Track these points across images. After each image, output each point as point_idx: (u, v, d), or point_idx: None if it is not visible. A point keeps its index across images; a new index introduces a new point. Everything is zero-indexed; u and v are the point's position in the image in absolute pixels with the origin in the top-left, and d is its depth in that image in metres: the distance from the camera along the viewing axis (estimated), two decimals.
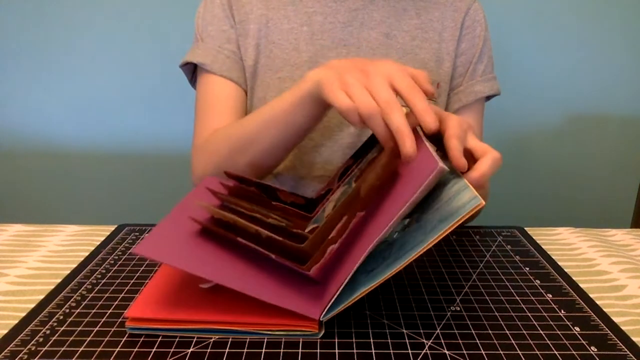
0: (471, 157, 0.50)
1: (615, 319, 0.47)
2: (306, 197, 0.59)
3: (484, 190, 0.58)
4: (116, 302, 0.49)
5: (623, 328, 0.46)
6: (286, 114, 0.60)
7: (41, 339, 0.43)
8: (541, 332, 0.45)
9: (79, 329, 0.45)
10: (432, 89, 0.52)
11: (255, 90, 0.76)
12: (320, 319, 0.43)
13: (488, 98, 0.83)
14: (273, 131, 0.62)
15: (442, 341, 0.43)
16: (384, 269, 0.42)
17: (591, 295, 0.51)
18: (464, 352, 0.42)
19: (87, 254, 0.60)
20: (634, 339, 0.44)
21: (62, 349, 0.42)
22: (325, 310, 0.43)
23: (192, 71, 0.81)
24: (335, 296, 0.43)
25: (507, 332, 0.45)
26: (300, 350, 0.42)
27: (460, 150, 0.48)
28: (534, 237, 0.66)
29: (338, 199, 0.51)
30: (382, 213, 0.46)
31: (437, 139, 0.51)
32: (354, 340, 0.43)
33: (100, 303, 0.49)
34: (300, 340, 0.43)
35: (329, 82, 0.52)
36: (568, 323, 0.46)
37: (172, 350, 0.42)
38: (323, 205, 0.55)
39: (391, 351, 0.42)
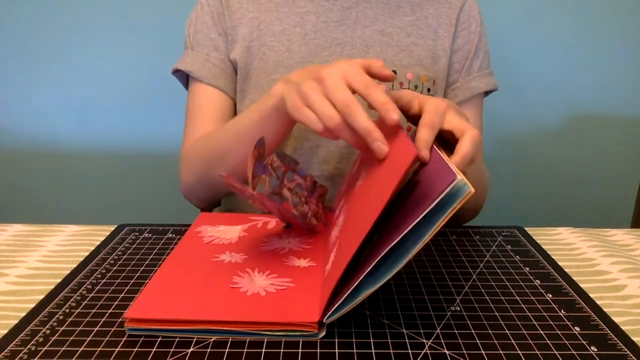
0: (452, 137, 0.50)
1: (615, 319, 0.47)
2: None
3: (476, 173, 0.57)
4: (116, 302, 0.49)
5: (623, 328, 0.46)
6: (256, 128, 0.61)
7: (41, 339, 0.43)
8: (541, 332, 0.45)
9: (79, 329, 0.45)
10: (389, 73, 0.52)
11: (249, 93, 0.76)
12: (324, 321, 0.43)
13: (486, 94, 0.83)
14: (244, 144, 0.62)
15: (442, 341, 0.43)
16: (386, 270, 0.42)
17: (591, 295, 0.51)
18: (464, 352, 0.42)
19: (87, 254, 0.60)
20: (634, 339, 0.44)
21: (62, 349, 0.42)
22: (329, 313, 0.43)
23: (187, 77, 0.81)
24: (339, 302, 0.43)
25: (507, 332, 0.45)
26: (300, 350, 0.42)
27: (428, 140, 0.47)
28: (534, 237, 0.66)
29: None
30: (392, 223, 0.46)
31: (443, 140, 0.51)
32: (354, 340, 0.43)
33: (100, 303, 0.49)
34: (300, 340, 0.43)
35: (291, 97, 0.52)
36: (568, 323, 0.46)
37: (172, 350, 0.42)
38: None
39: (391, 351, 0.42)
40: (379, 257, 0.41)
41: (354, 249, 0.42)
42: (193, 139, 0.77)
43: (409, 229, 0.40)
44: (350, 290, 0.42)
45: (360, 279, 0.41)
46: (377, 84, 0.50)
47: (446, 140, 0.51)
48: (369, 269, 0.41)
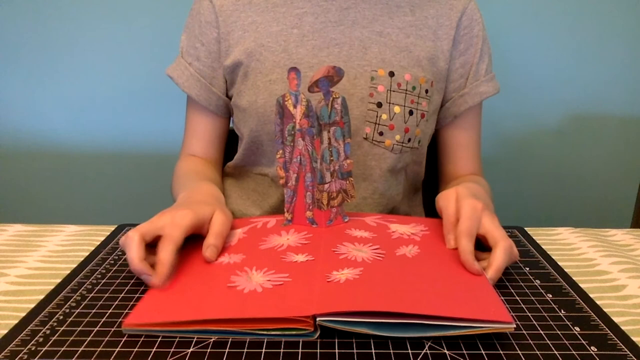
0: (485, 240, 0.55)
1: (615, 319, 0.47)
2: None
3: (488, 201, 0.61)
4: (116, 302, 0.49)
5: (623, 328, 0.46)
6: None
7: (41, 339, 0.43)
8: (541, 332, 0.45)
9: (79, 329, 0.45)
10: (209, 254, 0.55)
11: (245, 94, 0.76)
12: (317, 320, 0.43)
13: None
14: None
15: (442, 341, 0.43)
16: (390, 329, 0.43)
17: (591, 295, 0.51)
18: (464, 352, 0.42)
19: (87, 254, 0.60)
20: (634, 339, 0.44)
21: (62, 349, 0.42)
22: (324, 317, 0.43)
23: None
24: (337, 318, 0.43)
25: (507, 332, 0.45)
26: (300, 350, 0.42)
27: (472, 250, 0.52)
28: (534, 237, 0.66)
29: None
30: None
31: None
32: (354, 340, 0.43)
33: (100, 303, 0.49)
34: (300, 340, 0.43)
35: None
36: (568, 323, 0.46)
37: (172, 350, 0.42)
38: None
39: (391, 351, 0.42)
40: (391, 320, 0.42)
41: (387, 308, 0.43)
42: (182, 154, 0.85)
43: (434, 322, 0.42)
44: (354, 320, 0.43)
45: (369, 320, 0.43)
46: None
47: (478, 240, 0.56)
48: (379, 320, 0.42)
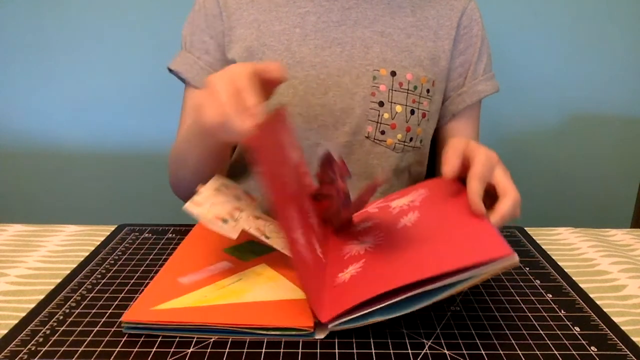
0: (494, 191, 0.52)
1: (615, 319, 0.47)
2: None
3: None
4: (116, 302, 0.49)
5: (623, 328, 0.46)
6: (197, 140, 0.65)
7: (41, 339, 0.43)
8: (541, 332, 0.45)
9: (79, 329, 0.45)
10: (279, 75, 0.53)
11: None
12: (328, 327, 0.43)
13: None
14: (195, 152, 0.67)
15: (442, 341, 0.43)
16: (400, 307, 0.42)
17: (591, 295, 0.51)
18: (464, 352, 0.42)
19: (87, 254, 0.60)
20: (634, 339, 0.44)
21: (62, 349, 0.42)
22: (335, 322, 0.43)
23: None
24: (347, 317, 0.43)
25: (507, 332, 0.45)
26: (300, 350, 0.42)
27: (481, 193, 0.50)
28: (534, 237, 0.66)
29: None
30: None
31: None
32: (354, 340, 0.43)
33: (100, 303, 0.49)
34: (300, 340, 0.43)
35: (196, 108, 0.53)
36: (568, 323, 0.46)
37: (172, 350, 0.42)
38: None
39: (391, 351, 0.42)
40: (399, 297, 0.42)
41: (388, 287, 0.42)
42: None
43: (439, 284, 0.41)
44: (362, 313, 0.42)
45: (377, 307, 0.42)
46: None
47: (486, 190, 0.53)
48: (387, 302, 0.42)
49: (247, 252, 0.57)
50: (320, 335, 0.44)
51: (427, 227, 0.51)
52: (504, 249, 0.41)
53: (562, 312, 0.48)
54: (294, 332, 0.43)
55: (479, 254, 0.41)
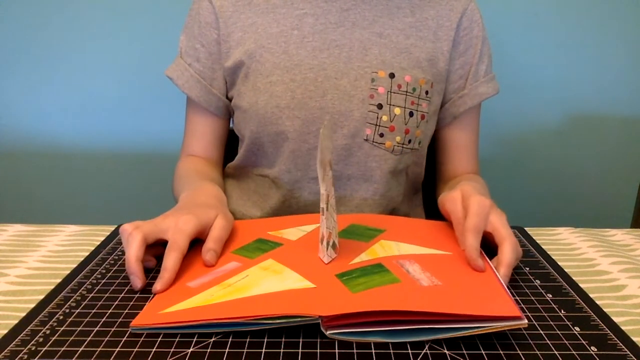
0: (492, 238, 0.55)
1: (615, 319, 0.47)
2: None
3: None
4: (116, 302, 0.49)
5: (623, 328, 0.46)
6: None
7: (41, 339, 0.43)
8: (541, 332, 0.45)
9: (79, 329, 0.45)
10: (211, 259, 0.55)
11: (247, 95, 0.76)
12: (326, 333, 0.43)
13: None
14: None
15: (442, 341, 0.43)
16: (401, 335, 0.43)
17: (591, 295, 0.51)
18: (464, 352, 0.42)
19: (87, 254, 0.60)
20: (634, 339, 0.44)
21: (62, 349, 0.42)
22: (334, 330, 0.43)
23: None
24: (348, 330, 0.43)
25: (507, 332, 0.45)
26: (300, 350, 0.42)
27: (478, 247, 0.52)
28: (534, 237, 0.66)
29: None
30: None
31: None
32: (353, 340, 0.43)
33: (100, 303, 0.49)
34: (300, 340, 0.43)
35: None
36: (568, 323, 0.46)
37: (172, 350, 0.42)
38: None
39: (391, 351, 0.42)
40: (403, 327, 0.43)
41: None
42: (182, 154, 0.86)
43: (445, 326, 0.42)
44: (363, 330, 0.43)
45: (377, 329, 0.43)
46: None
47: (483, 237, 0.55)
48: (388, 328, 0.42)
49: (256, 250, 0.57)
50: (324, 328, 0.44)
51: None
52: (514, 311, 0.43)
53: (562, 312, 0.48)
54: (298, 319, 0.43)
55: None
